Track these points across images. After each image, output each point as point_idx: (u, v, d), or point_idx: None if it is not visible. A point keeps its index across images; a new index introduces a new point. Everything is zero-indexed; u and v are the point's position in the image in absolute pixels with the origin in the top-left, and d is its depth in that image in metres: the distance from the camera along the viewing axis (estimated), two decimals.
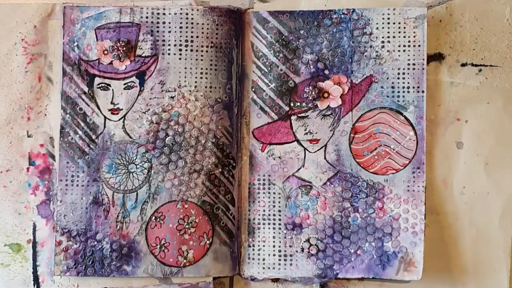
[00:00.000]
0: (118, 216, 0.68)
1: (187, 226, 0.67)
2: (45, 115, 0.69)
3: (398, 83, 0.68)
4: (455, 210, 0.69)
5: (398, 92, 0.68)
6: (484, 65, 0.69)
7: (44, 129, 0.69)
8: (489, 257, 0.68)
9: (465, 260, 0.69)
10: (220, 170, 0.68)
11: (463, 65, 0.69)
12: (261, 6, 0.70)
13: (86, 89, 0.68)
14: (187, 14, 0.68)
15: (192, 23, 0.68)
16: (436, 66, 0.69)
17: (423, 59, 0.67)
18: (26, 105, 0.69)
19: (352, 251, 0.68)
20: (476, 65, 0.69)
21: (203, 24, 0.68)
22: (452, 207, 0.69)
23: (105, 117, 0.68)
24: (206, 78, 0.68)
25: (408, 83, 0.67)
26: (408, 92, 0.67)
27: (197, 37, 0.68)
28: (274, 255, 0.69)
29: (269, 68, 0.69)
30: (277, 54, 0.69)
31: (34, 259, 0.69)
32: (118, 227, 0.68)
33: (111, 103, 0.68)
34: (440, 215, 0.69)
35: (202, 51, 0.68)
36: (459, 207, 0.69)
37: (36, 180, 0.69)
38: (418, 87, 0.67)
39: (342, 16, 0.68)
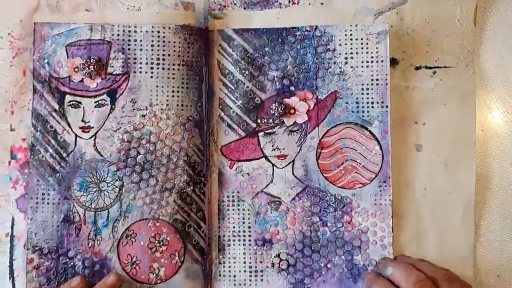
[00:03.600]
0: (89, 233, 0.67)
1: (158, 244, 0.67)
2: (28, 109, 0.69)
3: (363, 98, 0.68)
4: (418, 211, 0.69)
5: (363, 107, 0.68)
6: (438, 67, 0.69)
7: (26, 123, 0.69)
8: (452, 257, 0.68)
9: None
10: (191, 188, 0.68)
11: (417, 68, 0.69)
12: (216, 23, 0.71)
13: (56, 106, 0.68)
14: (158, 32, 0.68)
15: (163, 41, 0.68)
16: (390, 71, 0.68)
17: (386, 74, 0.67)
18: (10, 99, 0.69)
19: (322, 264, 0.68)
20: (430, 68, 0.69)
21: (174, 42, 0.68)
22: (415, 209, 0.69)
23: (76, 135, 0.68)
24: (178, 96, 0.68)
25: (372, 98, 0.67)
26: (373, 107, 0.68)
27: (169, 55, 0.68)
28: (245, 271, 0.69)
29: (236, 86, 0.69)
30: (243, 71, 0.69)
31: (11, 253, 0.68)
32: (90, 245, 0.67)
33: (82, 121, 0.68)
34: (404, 217, 0.69)
35: (173, 69, 0.68)
36: (421, 208, 0.69)
37: (17, 174, 0.69)
38: (382, 102, 0.67)
39: (306, 33, 0.69)
